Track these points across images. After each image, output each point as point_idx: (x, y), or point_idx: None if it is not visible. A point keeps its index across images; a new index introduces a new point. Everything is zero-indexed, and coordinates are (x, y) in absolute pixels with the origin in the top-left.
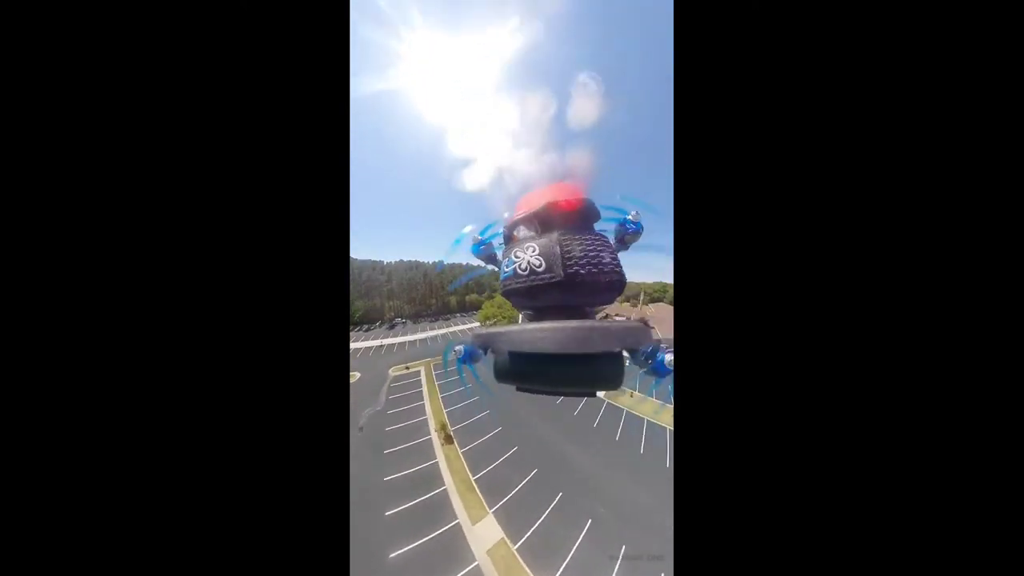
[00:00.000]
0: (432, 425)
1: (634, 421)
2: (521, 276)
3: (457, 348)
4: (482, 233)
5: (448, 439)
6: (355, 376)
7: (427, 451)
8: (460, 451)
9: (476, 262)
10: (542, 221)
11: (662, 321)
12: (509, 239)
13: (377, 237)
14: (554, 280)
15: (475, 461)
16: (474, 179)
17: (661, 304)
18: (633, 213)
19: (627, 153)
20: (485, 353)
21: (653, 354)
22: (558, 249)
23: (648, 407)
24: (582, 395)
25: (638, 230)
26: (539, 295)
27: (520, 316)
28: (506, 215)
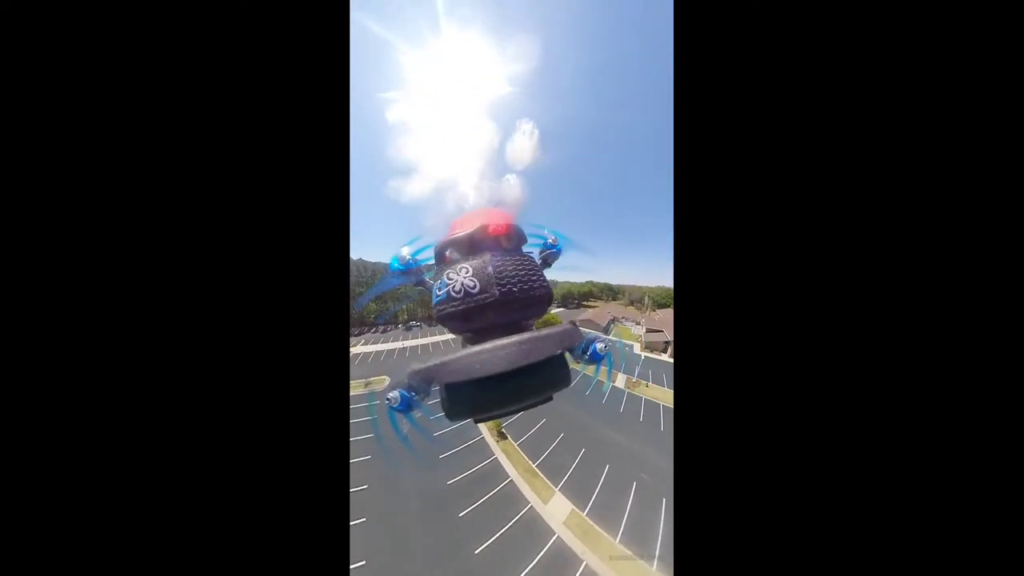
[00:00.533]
0: (483, 425)
1: (652, 406)
2: (456, 299)
3: (391, 396)
4: (410, 243)
5: (501, 435)
6: (384, 381)
7: (484, 449)
8: (516, 444)
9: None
10: (474, 243)
11: (668, 324)
12: (441, 260)
13: (385, 240)
14: (489, 300)
15: (531, 451)
16: (414, 191)
17: (669, 310)
18: (552, 238)
19: (626, 153)
20: (428, 391)
21: (588, 346)
22: (491, 270)
23: (663, 394)
24: (539, 404)
25: (558, 251)
26: (476, 316)
27: (461, 340)
28: (430, 239)
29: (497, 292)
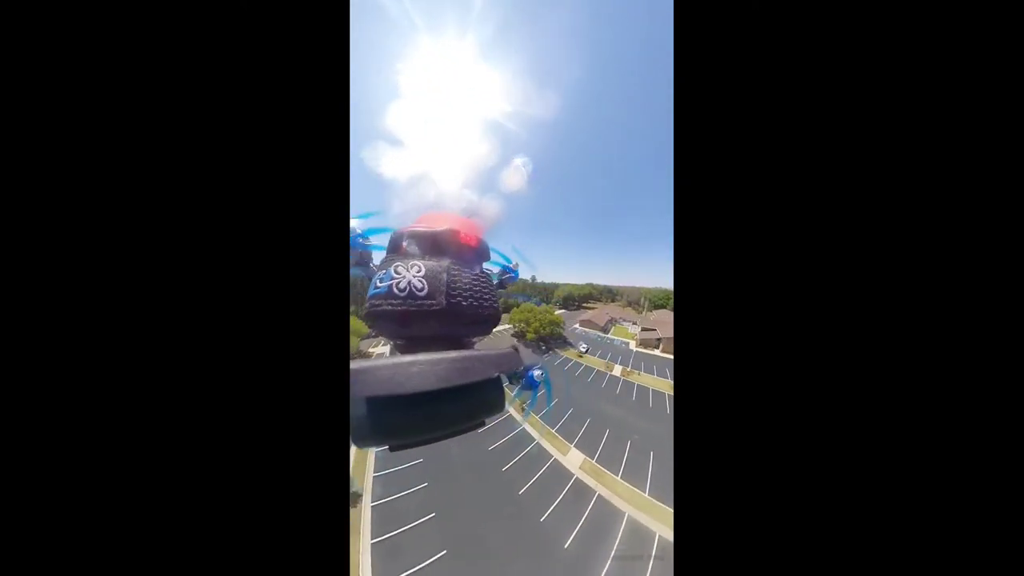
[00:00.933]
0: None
1: (643, 390)
2: (397, 297)
3: None
4: (363, 216)
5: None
6: None
7: (512, 423)
8: (537, 416)
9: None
10: (437, 244)
11: (665, 324)
12: (396, 248)
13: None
14: (434, 308)
15: (549, 422)
16: (393, 166)
17: (664, 310)
18: (515, 263)
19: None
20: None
21: (525, 372)
22: (445, 277)
23: (652, 381)
24: (467, 431)
25: (515, 278)
26: (414, 322)
27: (390, 346)
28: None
29: (444, 301)
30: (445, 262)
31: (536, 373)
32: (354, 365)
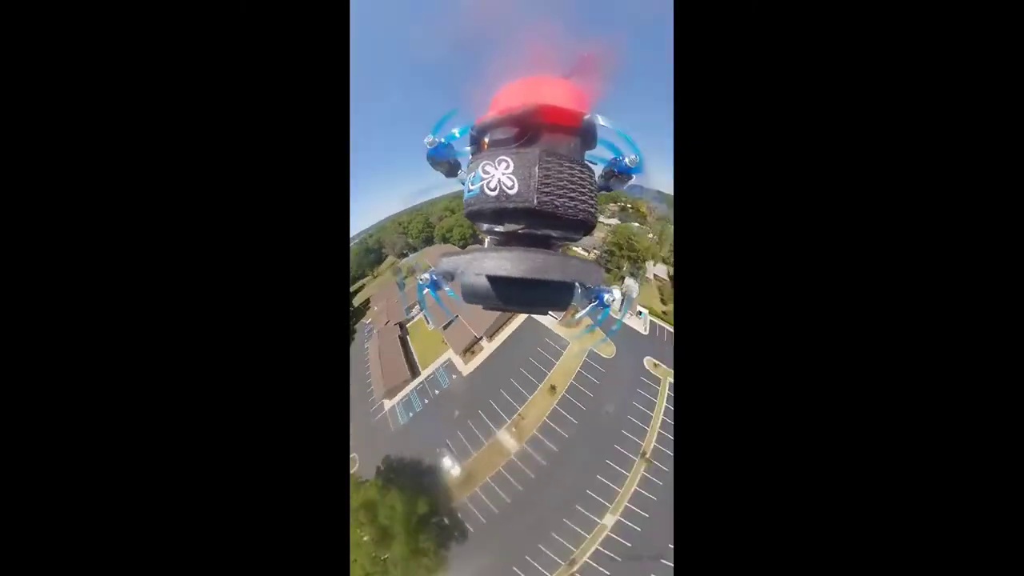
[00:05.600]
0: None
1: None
2: (489, 196)
3: (423, 276)
4: (435, 131)
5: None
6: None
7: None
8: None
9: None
10: (524, 128)
11: None
12: (477, 145)
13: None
14: (524, 206)
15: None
16: (438, 39)
17: None
18: (631, 158)
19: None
20: (453, 279)
21: (597, 291)
22: (536, 170)
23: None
24: (537, 313)
25: (630, 175)
26: (506, 219)
27: (486, 240)
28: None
29: (535, 201)
30: (536, 152)
31: (607, 297)
32: (464, 255)
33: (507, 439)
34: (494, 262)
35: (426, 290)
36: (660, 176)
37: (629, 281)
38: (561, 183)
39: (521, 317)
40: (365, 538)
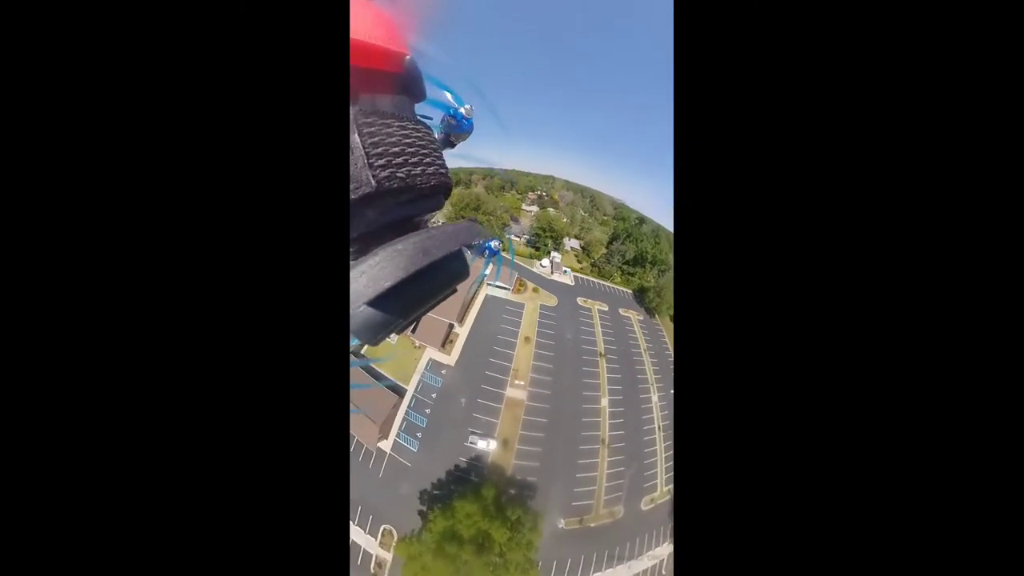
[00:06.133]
0: None
1: None
2: None
3: None
4: None
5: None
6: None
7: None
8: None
9: None
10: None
11: None
12: None
13: None
14: (363, 192)
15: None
16: None
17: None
18: (467, 107)
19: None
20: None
21: (484, 244)
22: (358, 139)
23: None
24: (445, 298)
25: (468, 129)
26: (351, 220)
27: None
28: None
29: (372, 180)
30: (353, 110)
31: (494, 244)
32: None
33: (515, 392)
34: (367, 280)
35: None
36: (562, 168)
37: (554, 254)
38: (398, 148)
39: (479, 299)
40: (466, 559)
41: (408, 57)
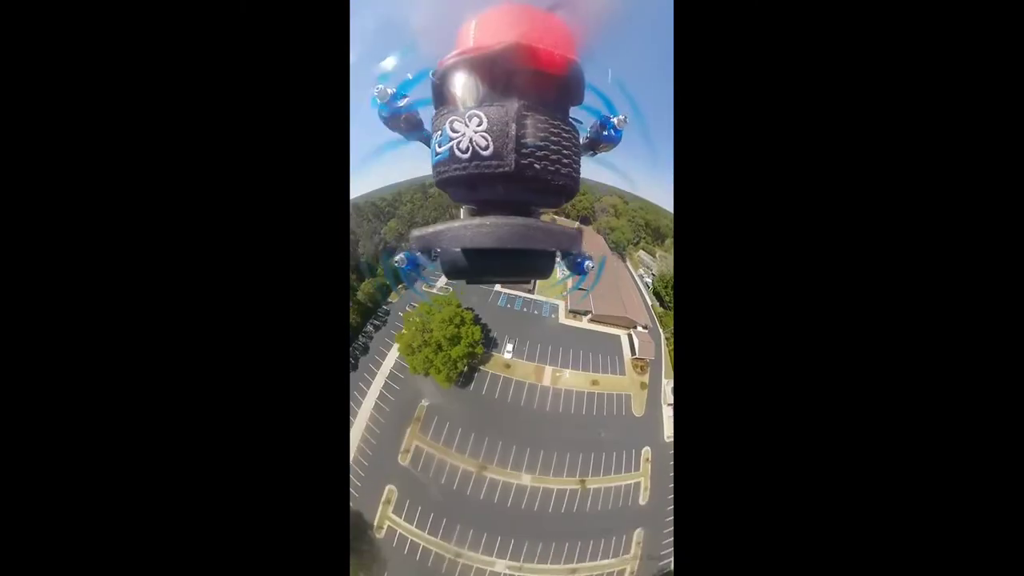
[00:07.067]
0: None
1: None
2: (460, 160)
3: (398, 257)
4: (401, 91)
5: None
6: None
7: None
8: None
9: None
10: (498, 72)
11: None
12: (440, 96)
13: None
14: (501, 170)
15: None
16: None
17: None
18: (620, 118)
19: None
20: (430, 256)
21: (578, 258)
22: (514, 129)
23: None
24: (520, 282)
25: (616, 140)
26: (481, 186)
27: (462, 209)
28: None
29: (513, 163)
30: (513, 105)
31: (587, 264)
32: (436, 227)
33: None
34: (472, 234)
35: (408, 270)
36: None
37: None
38: (543, 143)
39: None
40: None
41: (573, 62)
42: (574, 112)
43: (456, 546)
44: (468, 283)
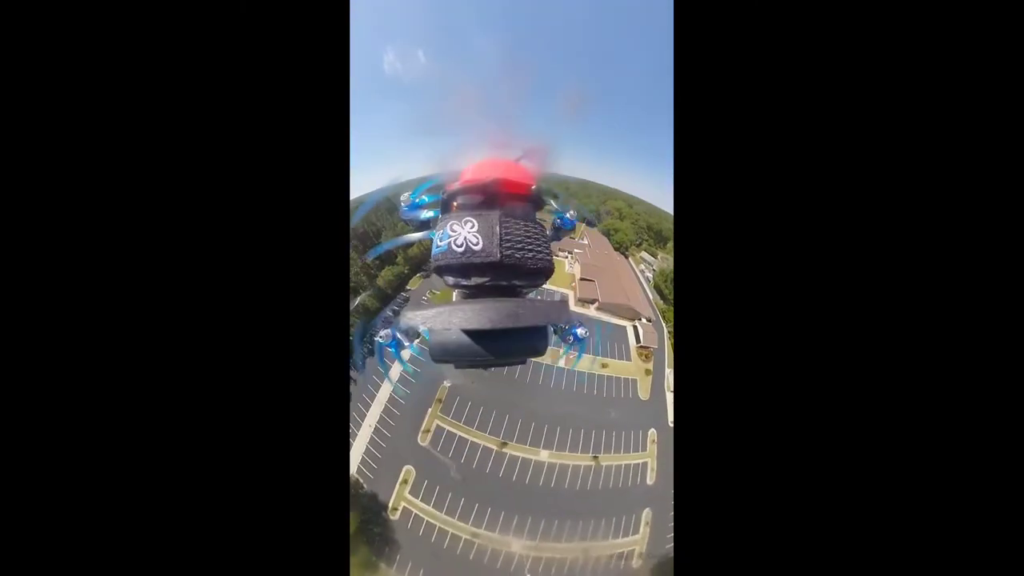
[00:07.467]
0: None
1: None
2: (456, 252)
3: (384, 333)
4: (414, 194)
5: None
6: None
7: None
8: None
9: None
10: (486, 196)
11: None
12: (447, 207)
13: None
14: (489, 260)
15: None
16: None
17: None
18: (571, 212)
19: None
20: (417, 336)
21: (570, 328)
22: (498, 229)
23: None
24: (514, 364)
25: (571, 226)
26: (473, 273)
27: (454, 294)
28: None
29: (499, 254)
30: (496, 214)
31: (580, 331)
32: (427, 310)
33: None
34: (465, 315)
35: (387, 349)
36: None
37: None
38: (519, 238)
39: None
40: None
41: (533, 186)
42: (540, 215)
43: (473, 526)
44: (457, 367)
